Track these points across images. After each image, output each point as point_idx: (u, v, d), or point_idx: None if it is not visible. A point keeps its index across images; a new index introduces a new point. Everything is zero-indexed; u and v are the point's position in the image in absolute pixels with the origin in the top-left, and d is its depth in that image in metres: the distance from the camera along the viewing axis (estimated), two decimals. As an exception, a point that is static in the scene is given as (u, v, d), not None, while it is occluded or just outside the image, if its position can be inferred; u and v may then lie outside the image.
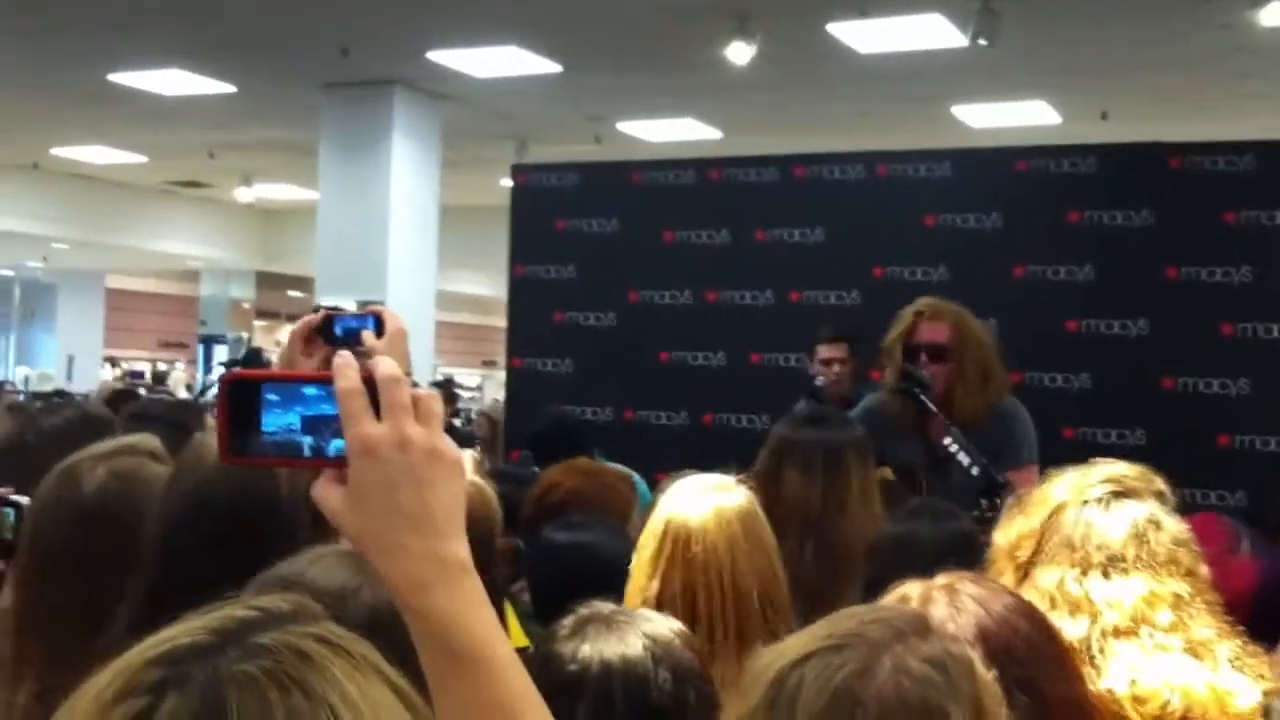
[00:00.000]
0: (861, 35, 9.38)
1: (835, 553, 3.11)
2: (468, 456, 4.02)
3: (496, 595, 2.07)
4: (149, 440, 2.27)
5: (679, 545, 2.48)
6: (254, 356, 8.37)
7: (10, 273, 24.26)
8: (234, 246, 21.05)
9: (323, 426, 1.17)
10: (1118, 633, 1.95)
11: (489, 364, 28.31)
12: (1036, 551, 2.07)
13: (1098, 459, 2.21)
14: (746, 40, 9.13)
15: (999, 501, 3.51)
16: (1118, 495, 2.11)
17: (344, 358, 1.16)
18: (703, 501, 2.52)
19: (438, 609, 1.13)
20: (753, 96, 11.25)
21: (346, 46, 10.19)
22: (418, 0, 9.05)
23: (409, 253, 11.82)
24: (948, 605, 1.64)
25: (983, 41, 8.55)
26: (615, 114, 12.67)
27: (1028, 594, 1.97)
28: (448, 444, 1.16)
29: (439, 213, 12.36)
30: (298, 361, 2.31)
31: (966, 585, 1.70)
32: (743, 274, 6.90)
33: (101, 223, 18.75)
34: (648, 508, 3.86)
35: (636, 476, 5.10)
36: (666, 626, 1.92)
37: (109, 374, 21.78)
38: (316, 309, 2.41)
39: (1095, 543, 2.04)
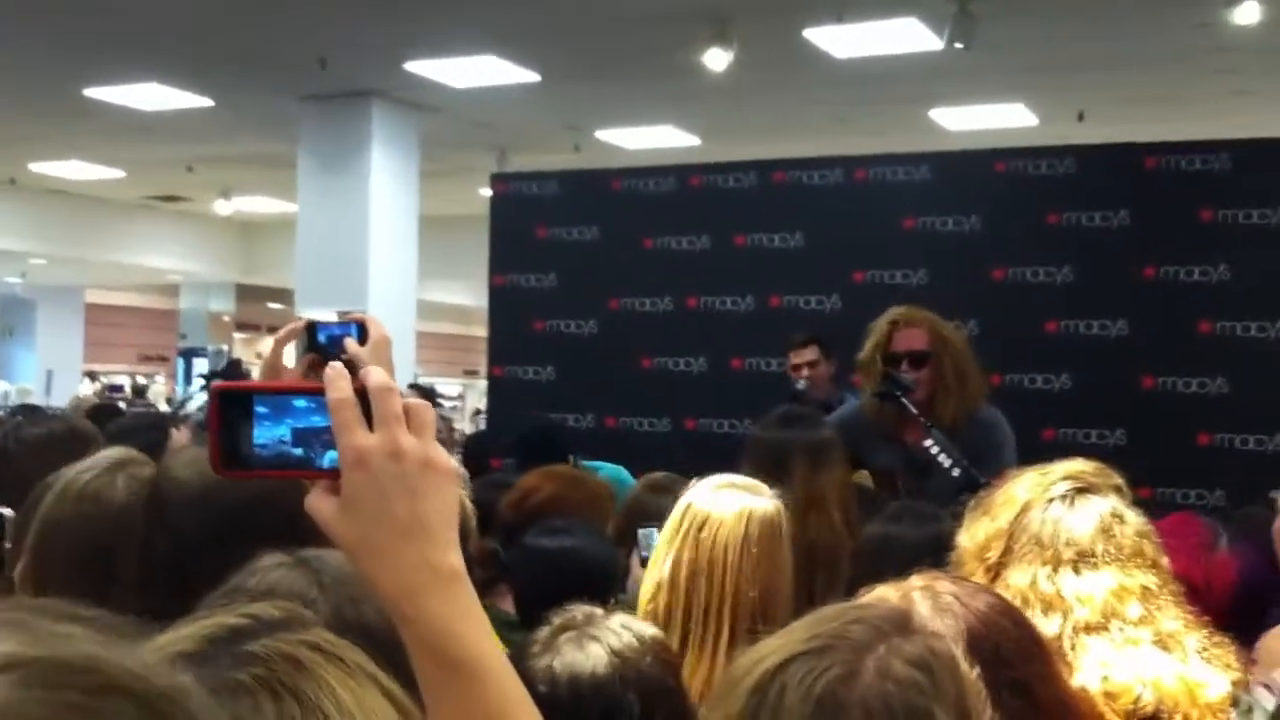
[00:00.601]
0: (838, 40, 9.40)
1: (815, 554, 3.12)
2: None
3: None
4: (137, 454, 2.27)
5: (693, 527, 2.50)
6: (234, 368, 8.35)
7: (-12, 289, 24.17)
8: (213, 260, 20.99)
9: (313, 438, 1.17)
10: (1089, 628, 1.97)
11: (471, 373, 28.26)
12: (1006, 552, 2.08)
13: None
14: (724, 47, 9.14)
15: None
16: (1080, 491, 2.13)
17: (336, 369, 1.17)
18: (729, 495, 2.55)
19: (431, 616, 1.13)
20: (731, 103, 11.26)
21: (324, 58, 10.17)
22: (395, 11, 9.04)
23: (389, 263, 11.80)
24: (931, 607, 1.63)
25: (959, 45, 8.57)
26: (594, 122, 12.68)
27: (1000, 592, 1.98)
28: (440, 453, 1.16)
29: (419, 223, 12.34)
30: (281, 370, 2.31)
31: (945, 585, 1.69)
32: (723, 280, 6.91)
33: (80, 238, 18.69)
34: (625, 501, 3.87)
35: (624, 471, 5.11)
36: (637, 638, 1.92)
37: (86, 388, 21.65)
38: (298, 318, 2.41)
39: (1064, 539, 2.06)
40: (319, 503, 1.16)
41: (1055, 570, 2.03)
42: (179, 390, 21.50)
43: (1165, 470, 5.74)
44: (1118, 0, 8.51)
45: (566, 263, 7.24)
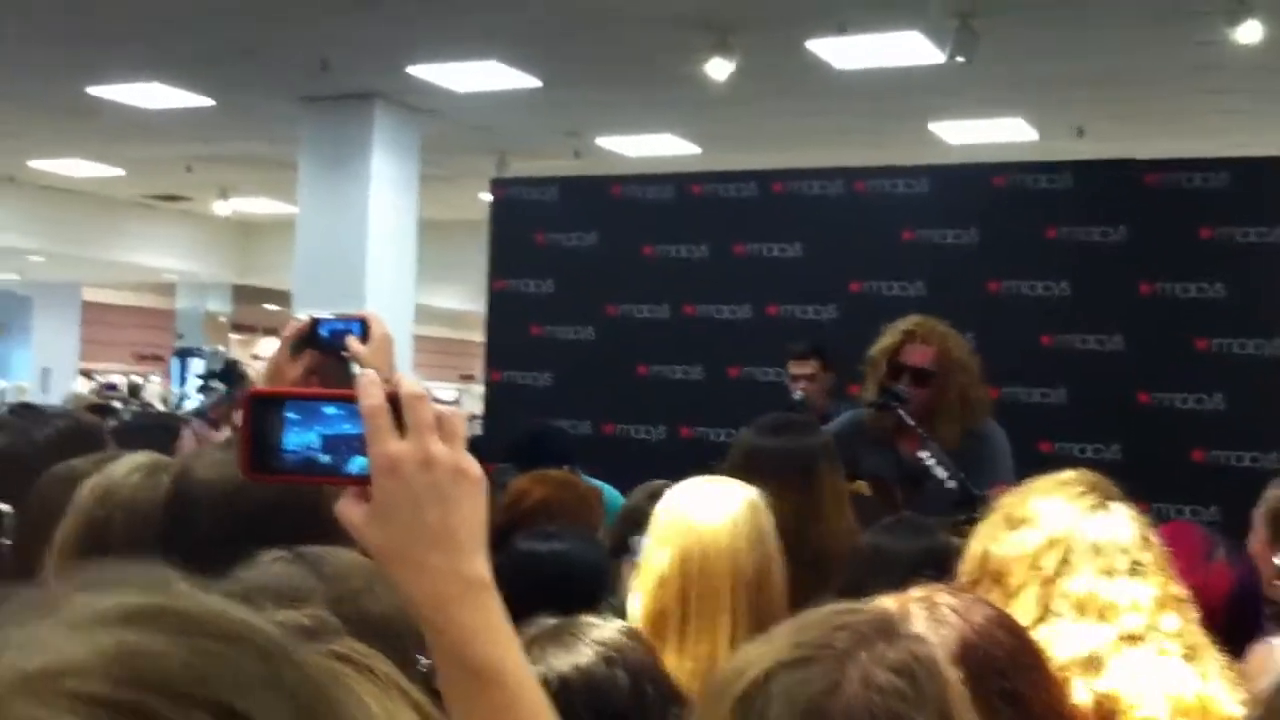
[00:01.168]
0: (840, 52, 9.40)
1: (812, 560, 3.11)
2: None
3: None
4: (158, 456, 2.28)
5: (679, 520, 2.56)
6: (230, 369, 8.35)
7: (-15, 285, 24.16)
8: (211, 260, 20.97)
9: (342, 445, 1.18)
10: (1133, 638, 1.97)
11: (467, 378, 28.22)
12: (1064, 562, 2.06)
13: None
14: (726, 56, 9.15)
15: (976, 515, 3.52)
16: (1107, 500, 2.13)
17: (369, 375, 1.17)
18: (709, 487, 2.63)
19: (458, 625, 1.14)
20: (732, 112, 11.26)
21: (326, 60, 10.17)
22: (398, 14, 9.05)
23: (387, 267, 11.79)
24: (927, 619, 1.64)
25: (961, 59, 8.58)
26: (595, 129, 12.68)
27: (1055, 602, 1.99)
28: (471, 462, 1.17)
29: (418, 227, 12.34)
30: (286, 367, 2.32)
31: (944, 597, 1.70)
32: (721, 288, 6.92)
33: (78, 236, 18.67)
34: (617, 516, 3.87)
35: (609, 488, 5.10)
36: (615, 630, 1.96)
37: (81, 386, 21.63)
38: (303, 316, 2.42)
39: (1118, 546, 2.06)
40: (349, 510, 1.16)
41: (1111, 577, 2.03)
42: (174, 390, 21.47)
43: (1160, 486, 5.74)
44: (1119, 17, 8.52)
45: (565, 269, 7.25)
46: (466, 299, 19.98)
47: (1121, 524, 2.09)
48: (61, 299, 24.15)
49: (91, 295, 25.56)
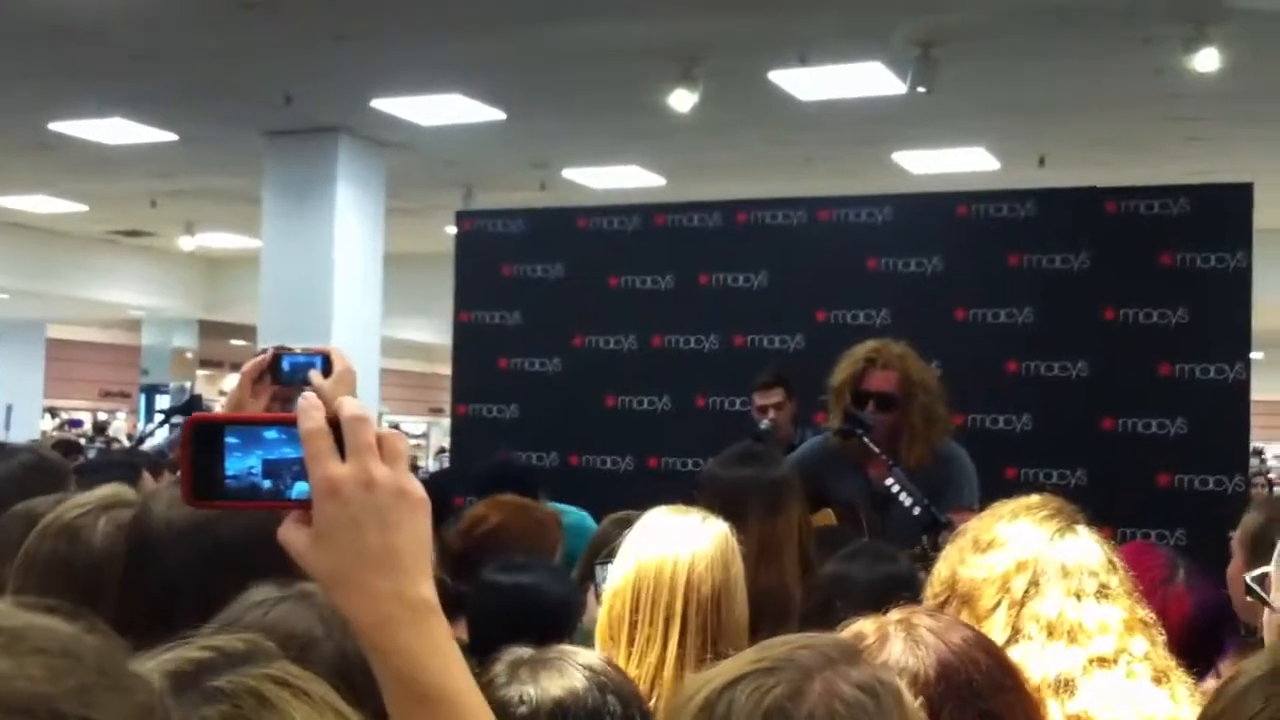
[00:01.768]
0: (803, 83, 9.46)
1: (763, 604, 3.11)
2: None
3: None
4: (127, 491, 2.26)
5: (642, 542, 2.56)
6: (194, 403, 8.30)
7: (-51, 323, 23.95)
8: (176, 295, 20.88)
9: (283, 469, 1.17)
10: (1103, 661, 1.97)
11: (435, 411, 28.17)
12: (1033, 583, 2.06)
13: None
14: (689, 88, 9.20)
15: (940, 540, 3.53)
16: (1072, 524, 2.14)
17: (309, 399, 1.16)
18: (678, 518, 2.61)
19: (403, 648, 1.12)
20: (696, 143, 11.32)
21: (290, 94, 10.16)
22: (361, 48, 9.05)
23: (354, 300, 11.77)
24: (906, 640, 1.64)
25: (922, 89, 8.65)
26: (560, 161, 12.71)
27: (1024, 624, 1.99)
28: (413, 483, 1.15)
29: (384, 260, 12.33)
30: (246, 402, 2.31)
31: (922, 619, 1.70)
32: (687, 319, 6.92)
33: (42, 272, 18.55)
34: (592, 539, 3.86)
35: (587, 516, 5.09)
36: (598, 658, 1.96)
37: (48, 424, 21.46)
38: (264, 350, 2.41)
39: (1086, 570, 2.07)
40: (291, 534, 1.15)
41: (1079, 600, 2.03)
42: (139, 427, 21.33)
43: (1126, 511, 5.77)
44: (1079, 47, 8.61)
45: (531, 300, 7.25)
46: (435, 332, 19.95)
47: (1089, 547, 2.10)
48: (26, 336, 23.96)
49: (56, 332, 25.38)
